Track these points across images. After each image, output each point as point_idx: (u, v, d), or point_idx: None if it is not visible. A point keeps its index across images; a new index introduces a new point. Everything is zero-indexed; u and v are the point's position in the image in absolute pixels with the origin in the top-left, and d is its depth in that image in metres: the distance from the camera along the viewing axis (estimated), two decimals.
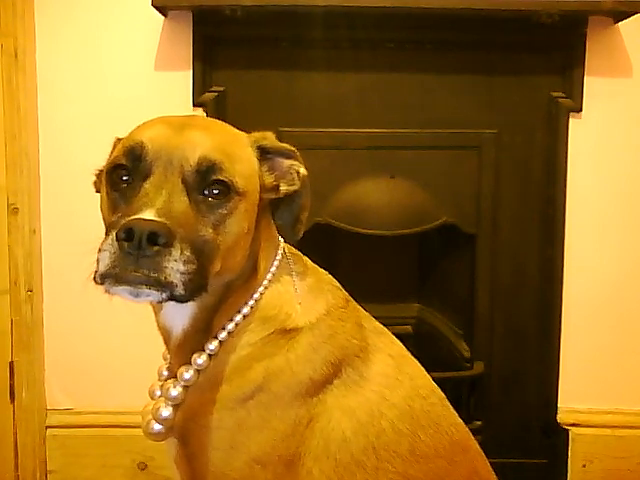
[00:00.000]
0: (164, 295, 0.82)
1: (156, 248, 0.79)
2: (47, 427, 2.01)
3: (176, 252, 0.80)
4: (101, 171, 0.97)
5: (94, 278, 0.82)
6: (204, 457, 0.94)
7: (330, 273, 1.07)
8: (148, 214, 0.80)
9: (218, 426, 0.94)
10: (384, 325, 1.08)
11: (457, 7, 1.78)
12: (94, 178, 1.00)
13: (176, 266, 0.80)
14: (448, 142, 1.93)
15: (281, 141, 1.01)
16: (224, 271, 0.91)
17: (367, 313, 1.07)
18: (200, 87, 1.90)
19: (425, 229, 1.95)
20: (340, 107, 1.92)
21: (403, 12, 1.79)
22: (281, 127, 1.84)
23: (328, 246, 2.06)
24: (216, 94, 1.89)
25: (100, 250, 0.82)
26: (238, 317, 0.96)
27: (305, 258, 1.06)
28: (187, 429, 0.96)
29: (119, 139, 0.97)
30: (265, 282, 0.98)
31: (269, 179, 0.97)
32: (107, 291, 0.83)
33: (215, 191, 0.87)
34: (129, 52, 1.93)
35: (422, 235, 1.99)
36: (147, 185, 0.85)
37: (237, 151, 0.93)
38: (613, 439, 2.01)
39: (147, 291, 0.81)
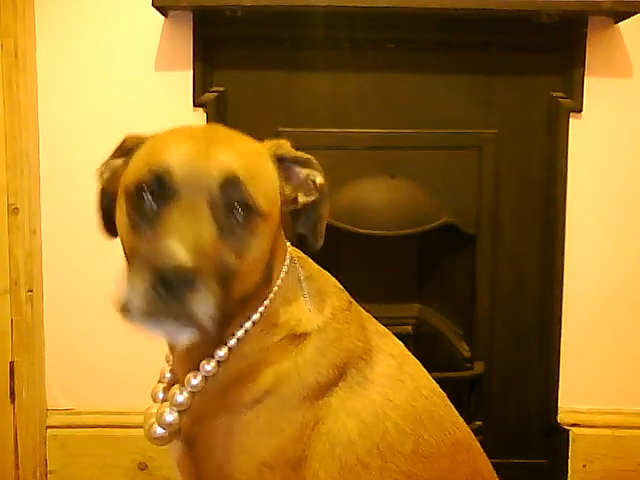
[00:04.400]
0: (194, 331, 0.81)
1: (185, 289, 0.77)
2: (47, 427, 2.01)
3: (203, 293, 0.79)
4: (114, 176, 0.94)
5: (119, 309, 0.81)
6: (211, 460, 0.93)
7: (330, 273, 1.07)
8: (177, 250, 0.78)
9: (227, 430, 0.93)
10: (384, 325, 1.08)
11: (457, 7, 1.78)
12: (99, 169, 0.97)
13: (204, 306, 0.79)
14: (448, 142, 1.93)
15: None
16: (243, 292, 0.90)
17: (368, 314, 1.07)
18: (200, 87, 1.90)
19: (425, 229, 1.95)
20: (340, 107, 1.91)
21: (403, 12, 1.80)
22: (281, 127, 1.85)
23: (328, 246, 2.05)
24: (216, 94, 1.89)
25: (126, 283, 0.80)
26: (248, 324, 0.95)
27: (310, 260, 1.06)
28: (194, 432, 0.95)
29: (132, 137, 0.94)
30: (275, 288, 0.97)
31: (288, 190, 0.96)
32: (134, 326, 0.82)
33: (239, 213, 0.85)
34: (129, 52, 1.93)
35: (422, 235, 1.99)
36: (174, 211, 0.82)
37: (261, 171, 0.91)
38: (613, 439, 2.01)
39: (179, 330, 0.81)
